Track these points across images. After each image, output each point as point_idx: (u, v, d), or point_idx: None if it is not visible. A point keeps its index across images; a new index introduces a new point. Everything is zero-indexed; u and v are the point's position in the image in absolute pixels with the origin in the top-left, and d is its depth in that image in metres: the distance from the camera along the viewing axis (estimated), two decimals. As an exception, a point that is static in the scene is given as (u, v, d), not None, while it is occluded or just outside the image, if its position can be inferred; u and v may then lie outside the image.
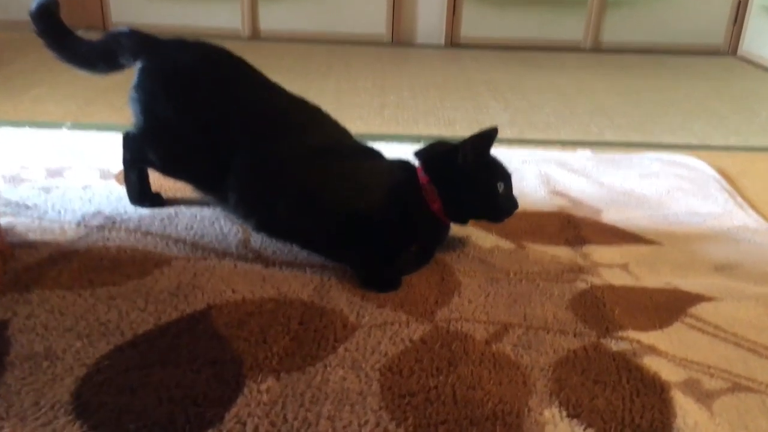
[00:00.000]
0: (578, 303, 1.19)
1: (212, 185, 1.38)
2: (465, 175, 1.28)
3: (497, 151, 1.32)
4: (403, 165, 1.34)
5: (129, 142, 1.48)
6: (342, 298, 1.18)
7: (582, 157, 1.95)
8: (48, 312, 1.10)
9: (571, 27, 3.77)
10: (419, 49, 3.72)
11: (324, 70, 3.09)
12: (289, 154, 1.31)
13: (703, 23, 3.75)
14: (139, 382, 0.95)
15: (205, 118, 1.35)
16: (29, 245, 1.31)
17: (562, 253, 1.37)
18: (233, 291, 1.19)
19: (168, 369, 0.97)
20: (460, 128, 2.25)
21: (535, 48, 3.75)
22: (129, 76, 1.43)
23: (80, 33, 1.50)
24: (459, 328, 1.10)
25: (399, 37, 3.77)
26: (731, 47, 3.77)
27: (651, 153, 2.01)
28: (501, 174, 1.32)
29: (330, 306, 1.15)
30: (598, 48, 3.78)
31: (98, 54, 1.49)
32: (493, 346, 1.05)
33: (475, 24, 3.76)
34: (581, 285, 1.25)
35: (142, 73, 1.42)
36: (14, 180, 1.62)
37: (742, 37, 3.72)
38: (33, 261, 1.25)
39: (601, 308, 1.17)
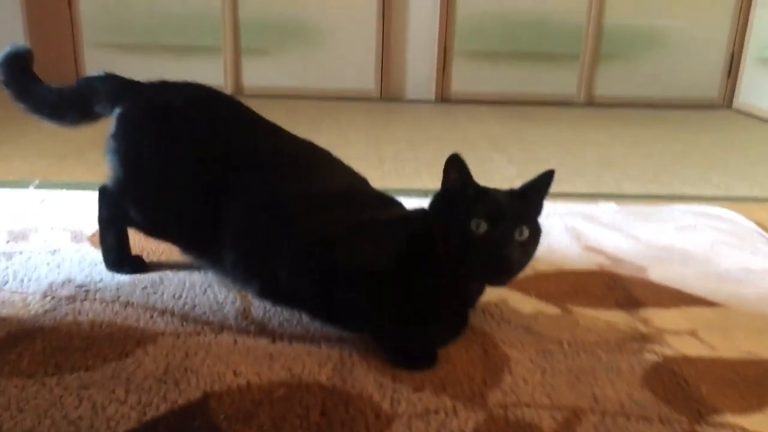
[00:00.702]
0: (654, 380, 0.99)
1: (205, 244, 1.17)
2: (445, 206, 1.04)
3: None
4: (423, 214, 1.14)
5: (106, 197, 1.28)
6: (369, 380, 0.97)
7: (608, 209, 1.78)
8: (2, 408, 0.87)
9: (563, 81, 3.67)
10: (409, 104, 3.59)
11: (314, 124, 2.92)
12: (295, 204, 1.11)
13: (696, 76, 3.69)
14: (119, 504, 0.72)
15: (196, 164, 1.16)
16: (-17, 322, 1.08)
17: (617, 318, 1.18)
18: (235, 374, 0.97)
19: (158, 483, 0.75)
20: (466, 182, 2.08)
21: (528, 103, 3.64)
22: (104, 130, 1.25)
23: None
24: (520, 416, 0.89)
25: (388, 93, 3.65)
26: (726, 100, 3.70)
27: (680, 205, 1.85)
28: (484, 210, 0.98)
29: (356, 390, 0.94)
30: (591, 102, 3.69)
31: (68, 102, 1.31)
32: (567, 439, 0.85)
33: (465, 79, 3.65)
34: (651, 357, 1.05)
35: (123, 118, 1.24)
36: (-30, 244, 1.40)
37: (737, 89, 3.65)
38: (-13, 341, 1.03)
39: (683, 386, 0.97)
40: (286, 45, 3.60)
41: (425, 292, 1.05)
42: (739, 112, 3.59)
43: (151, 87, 1.30)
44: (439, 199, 1.06)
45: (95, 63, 3.51)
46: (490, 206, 1.00)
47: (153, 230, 1.26)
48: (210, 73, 3.51)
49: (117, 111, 1.25)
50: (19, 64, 1.32)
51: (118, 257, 1.30)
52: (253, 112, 1.27)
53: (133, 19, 3.55)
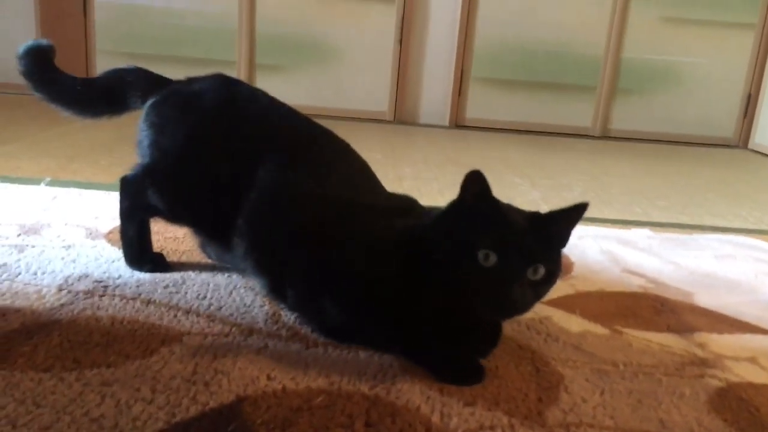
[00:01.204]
0: (721, 406, 0.91)
1: (223, 231, 1.10)
2: (454, 225, 0.92)
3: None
4: (429, 223, 1.00)
5: (129, 186, 1.21)
6: (415, 391, 0.89)
7: (642, 235, 1.72)
8: (17, 402, 0.79)
9: (579, 113, 3.65)
10: (423, 128, 3.55)
11: (328, 141, 2.87)
12: (303, 206, 1.05)
13: (712, 115, 3.67)
14: None
15: (224, 149, 1.12)
16: (-5, 311, 1.00)
17: (672, 342, 1.10)
18: (269, 378, 0.89)
19: (193, 491, 0.67)
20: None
21: (543, 132, 3.61)
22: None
23: None
24: (584, 436, 0.81)
25: (401, 116, 3.61)
26: (742, 140, 3.67)
27: (716, 234, 1.79)
28: (496, 241, 0.86)
29: (401, 402, 0.86)
30: (606, 135, 3.66)
31: (96, 92, 1.27)
32: (639, 464, 0.77)
33: (480, 106, 3.62)
34: (714, 382, 0.97)
35: (155, 106, 1.20)
36: (-20, 234, 1.32)
37: (753, 130, 3.62)
38: (-1, 332, 0.94)
39: (754, 413, 0.90)
40: (301, 63, 3.57)
41: (429, 301, 0.94)
42: (757, 152, 3.56)
43: (182, 80, 1.25)
44: (449, 215, 0.94)
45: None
46: (504, 237, 0.87)
47: (175, 215, 1.19)
48: (223, 87, 3.47)
49: (150, 101, 1.20)
50: (40, 56, 1.27)
51: (139, 253, 1.22)
52: (284, 105, 1.24)
53: (147, 29, 3.52)
